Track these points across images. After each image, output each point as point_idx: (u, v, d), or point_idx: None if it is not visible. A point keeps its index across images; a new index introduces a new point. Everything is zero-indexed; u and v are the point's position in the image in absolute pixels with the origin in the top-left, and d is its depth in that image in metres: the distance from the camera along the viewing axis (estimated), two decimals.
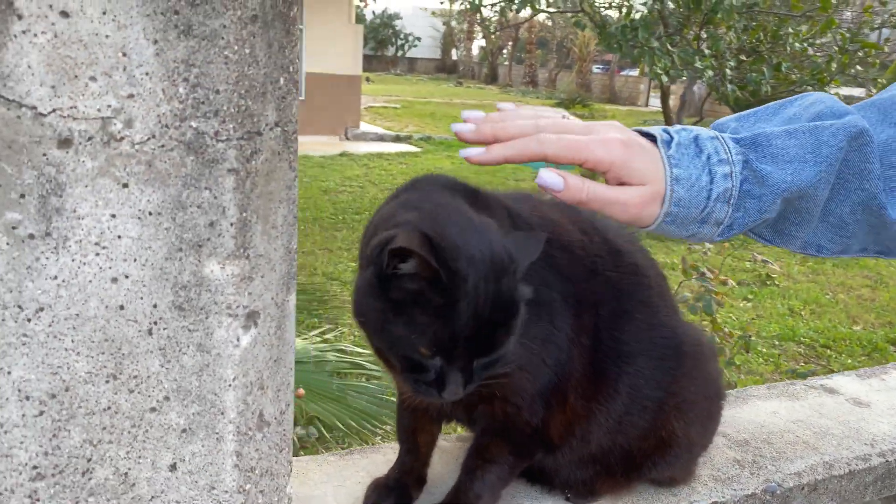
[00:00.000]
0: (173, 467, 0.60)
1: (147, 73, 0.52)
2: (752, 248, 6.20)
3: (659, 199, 0.69)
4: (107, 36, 0.50)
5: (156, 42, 0.51)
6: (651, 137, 0.72)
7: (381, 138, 11.81)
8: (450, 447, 1.02)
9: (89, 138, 0.51)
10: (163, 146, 0.53)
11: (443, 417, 0.88)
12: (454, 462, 0.94)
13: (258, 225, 0.60)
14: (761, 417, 1.19)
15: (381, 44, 36.82)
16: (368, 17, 33.62)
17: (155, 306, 0.56)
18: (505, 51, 36.80)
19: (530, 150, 0.67)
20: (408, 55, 38.26)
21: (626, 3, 6.33)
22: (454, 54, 39.89)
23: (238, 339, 0.60)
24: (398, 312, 0.68)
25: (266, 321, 0.64)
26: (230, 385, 0.61)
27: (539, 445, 0.85)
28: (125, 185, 0.53)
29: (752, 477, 1.02)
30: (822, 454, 1.09)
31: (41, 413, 0.54)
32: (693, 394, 0.89)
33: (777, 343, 4.89)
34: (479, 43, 38.38)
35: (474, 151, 0.69)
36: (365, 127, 12.34)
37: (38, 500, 0.56)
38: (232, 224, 0.57)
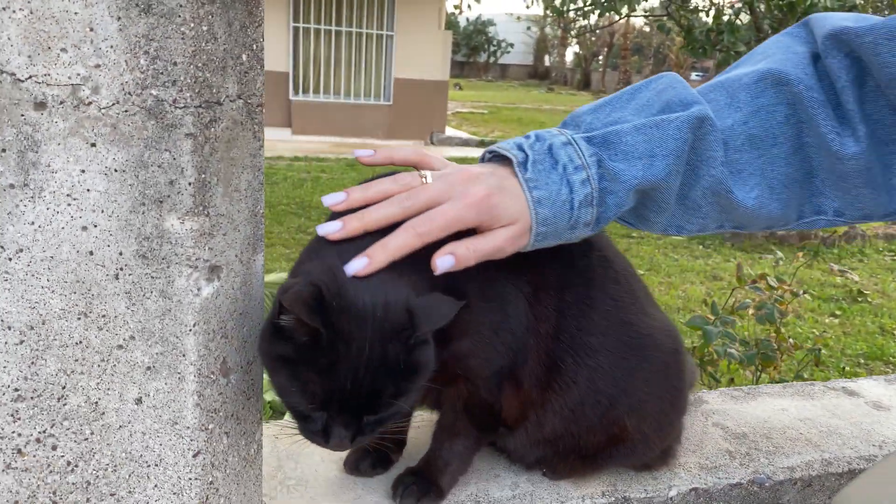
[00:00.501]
0: (139, 401, 0.67)
1: (111, 46, 0.59)
2: (830, 261, 5.91)
3: (528, 228, 0.72)
4: (75, 13, 0.57)
5: (119, 18, 0.59)
6: (506, 160, 0.74)
7: (466, 143, 11.91)
8: None
9: (61, 102, 0.59)
10: (126, 111, 0.61)
11: None
12: None
13: (219, 187, 0.67)
14: (767, 413, 1.18)
15: (474, 50, 37.07)
16: (462, 23, 33.90)
17: (121, 254, 0.63)
18: (600, 57, 36.36)
19: (411, 246, 0.69)
20: (500, 61, 38.34)
21: (713, 5, 6.17)
22: (547, 60, 39.71)
23: (199, 289, 0.67)
24: (284, 363, 0.71)
25: (230, 276, 0.70)
26: (191, 330, 0.67)
27: (498, 422, 0.88)
28: (93, 145, 0.60)
29: (742, 468, 1.02)
30: (822, 452, 1.07)
31: (21, 342, 0.63)
32: (648, 393, 0.90)
33: (863, 362, 4.66)
34: (573, 49, 38.05)
35: (359, 264, 0.69)
36: (450, 132, 12.48)
37: (19, 418, 0.64)
38: (190, 183, 0.64)
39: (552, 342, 0.86)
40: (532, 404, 0.87)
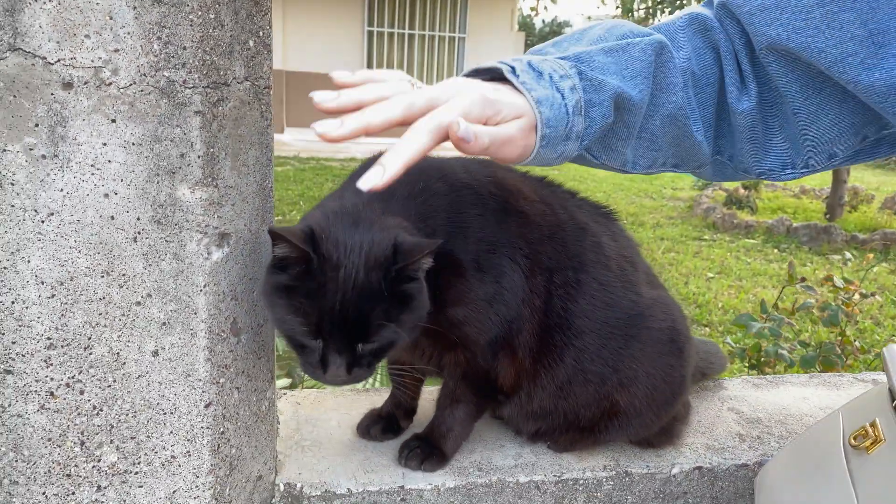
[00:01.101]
0: (156, 353, 0.75)
1: (129, 33, 0.67)
2: None
3: (533, 127, 0.69)
4: (97, 3, 0.65)
5: (135, 8, 0.66)
6: (493, 73, 0.72)
7: None
8: None
9: (85, 82, 0.67)
10: (142, 90, 0.68)
11: (417, 369, 0.98)
12: None
13: (227, 161, 0.74)
14: (787, 401, 1.17)
15: None
16: (538, 25, 33.74)
17: (138, 219, 0.71)
18: None
19: (425, 147, 0.63)
20: None
21: None
22: None
23: (209, 254, 0.74)
24: (281, 292, 0.75)
25: (239, 243, 0.77)
26: (201, 290, 0.74)
27: (495, 389, 0.92)
28: (113, 121, 0.68)
29: (750, 450, 1.02)
30: None
31: (52, 296, 0.71)
32: (637, 370, 0.93)
33: None
34: None
35: (374, 175, 0.61)
36: None
37: (51, 364, 0.72)
38: (199, 156, 0.71)
39: (544, 316, 0.90)
40: (525, 374, 0.91)
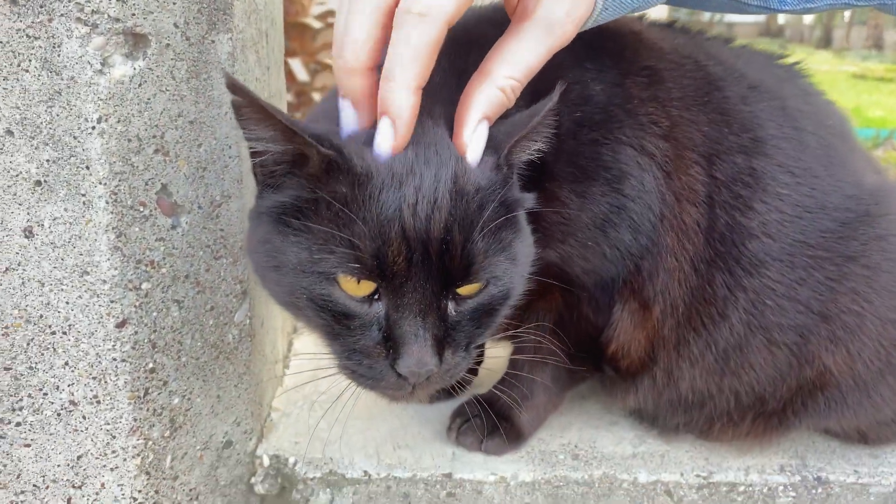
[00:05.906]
0: (29, 233, 0.46)
1: None
2: None
3: None
4: None
5: None
6: None
7: None
8: None
9: None
10: None
11: None
12: None
13: None
14: None
15: None
16: None
17: None
18: (846, 11, 32.36)
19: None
20: (725, 19, 35.49)
21: None
22: (781, 17, 36.13)
23: (105, 64, 0.44)
24: (286, 228, 0.41)
25: (165, 56, 0.46)
26: (94, 128, 0.44)
27: (599, 353, 0.57)
28: None
29: None
30: None
31: None
32: (861, 314, 0.55)
33: None
34: None
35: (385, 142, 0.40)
36: None
37: None
38: None
39: (704, 245, 0.53)
40: (663, 342, 0.55)
